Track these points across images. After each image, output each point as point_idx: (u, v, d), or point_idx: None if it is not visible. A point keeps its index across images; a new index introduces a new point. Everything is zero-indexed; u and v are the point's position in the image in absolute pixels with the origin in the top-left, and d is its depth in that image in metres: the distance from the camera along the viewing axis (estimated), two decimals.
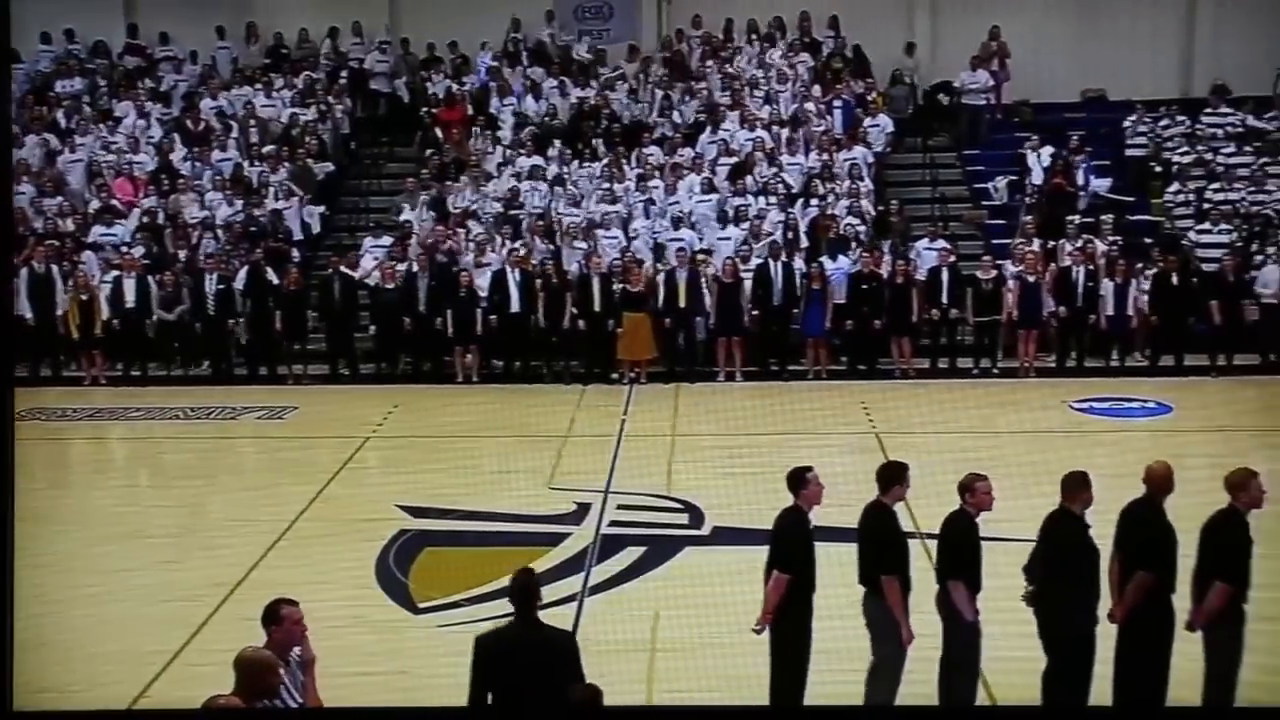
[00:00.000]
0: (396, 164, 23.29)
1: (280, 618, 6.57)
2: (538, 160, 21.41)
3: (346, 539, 12.36)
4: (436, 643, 9.80)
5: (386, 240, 20.11)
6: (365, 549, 11.90)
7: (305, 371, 19.05)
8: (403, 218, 20.72)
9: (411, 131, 23.43)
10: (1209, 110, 21.89)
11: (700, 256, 19.03)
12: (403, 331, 18.81)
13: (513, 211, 20.47)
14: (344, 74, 23.97)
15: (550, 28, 24.37)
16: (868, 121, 22.26)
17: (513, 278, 18.59)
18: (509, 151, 21.81)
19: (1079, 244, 18.95)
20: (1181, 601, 8.18)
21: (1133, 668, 8.16)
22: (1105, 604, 8.20)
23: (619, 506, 13.14)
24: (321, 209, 21.73)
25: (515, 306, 18.54)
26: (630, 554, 11.80)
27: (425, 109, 23.39)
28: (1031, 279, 18.29)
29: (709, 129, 21.87)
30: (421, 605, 10.75)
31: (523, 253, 19.07)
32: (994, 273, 18.54)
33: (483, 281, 18.84)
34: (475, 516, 12.63)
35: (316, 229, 21.46)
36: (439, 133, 22.76)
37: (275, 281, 19.07)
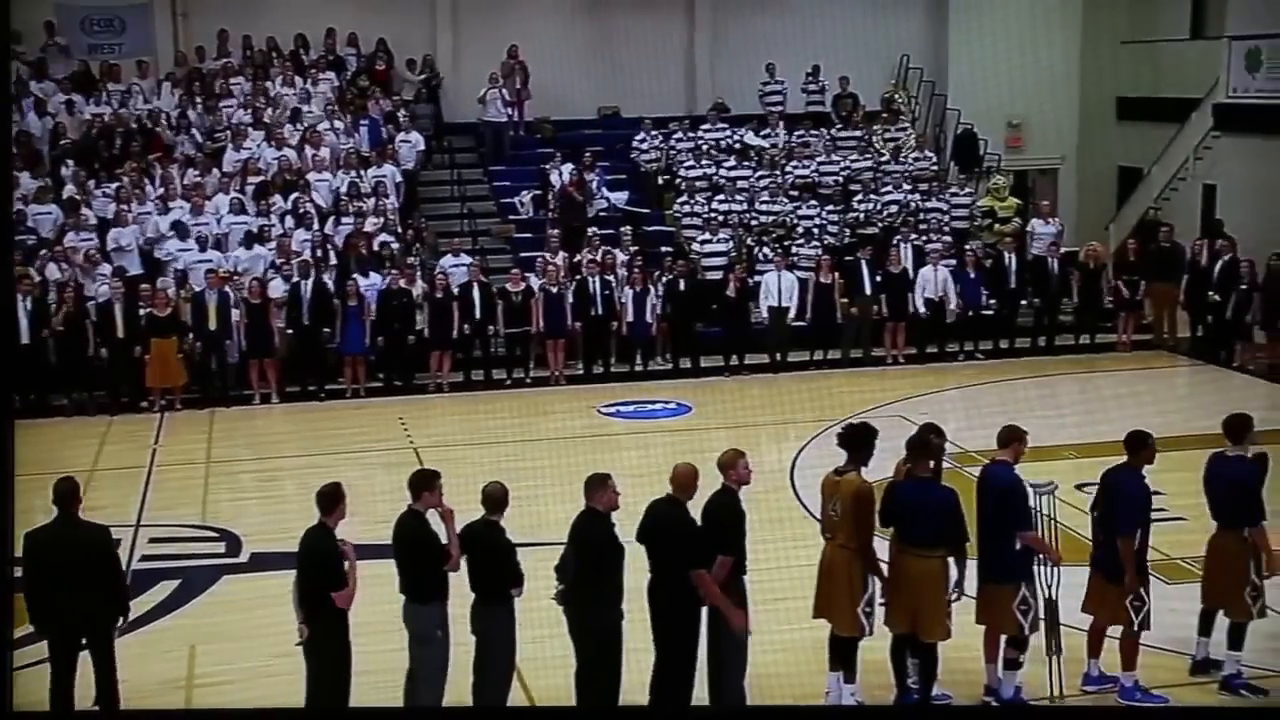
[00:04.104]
0: None
1: None
2: (46, 181, 20.25)
3: None
4: None
5: None
6: None
7: None
8: None
9: None
10: (708, 127, 23.46)
11: (230, 277, 18.64)
12: None
13: (19, 237, 19.25)
14: None
15: (52, 40, 22.96)
16: (399, 138, 22.46)
17: (23, 306, 17.54)
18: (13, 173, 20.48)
19: (599, 255, 19.88)
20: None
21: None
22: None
23: (151, 540, 12.74)
24: None
25: (25, 338, 17.47)
26: (164, 588, 11.51)
27: None
28: (555, 290, 19.02)
29: (233, 148, 21.39)
30: None
31: (35, 279, 18.01)
32: (523, 285, 19.15)
33: None
34: None
35: None
36: None
37: None
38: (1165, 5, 25.75)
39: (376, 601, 8.66)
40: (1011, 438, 9.08)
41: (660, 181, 22.95)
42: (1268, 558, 9.19)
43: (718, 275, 20.01)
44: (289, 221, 20.09)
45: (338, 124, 22.29)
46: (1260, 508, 9.19)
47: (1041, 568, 8.94)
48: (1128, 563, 8.93)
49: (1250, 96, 22.17)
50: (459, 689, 8.57)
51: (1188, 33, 25.37)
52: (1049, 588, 8.98)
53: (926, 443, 8.92)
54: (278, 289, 18.56)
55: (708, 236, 20.84)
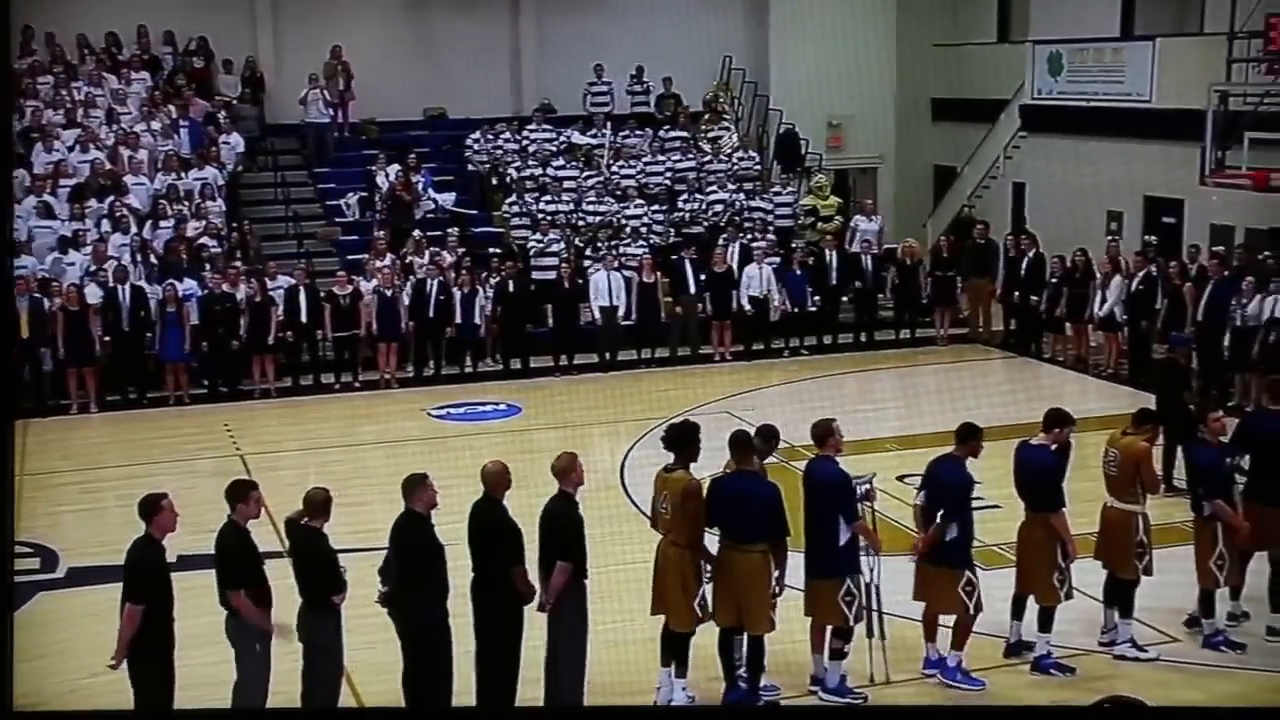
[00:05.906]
0: None
1: None
2: None
3: None
4: None
5: None
6: None
7: None
8: None
9: None
10: (534, 127, 23.48)
11: (48, 284, 18.05)
12: None
13: None
14: None
15: None
16: (221, 139, 21.97)
17: None
18: None
19: (428, 256, 19.75)
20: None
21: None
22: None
23: None
24: None
25: None
26: None
27: None
28: (388, 293, 18.84)
29: (42, 150, 20.65)
30: None
31: None
32: (350, 288, 18.92)
33: None
34: None
35: None
36: None
37: None
38: (973, 9, 26.63)
39: (199, 614, 8.53)
40: (826, 433, 9.25)
41: (494, 182, 22.89)
42: (1068, 544, 9.60)
43: (548, 275, 20.05)
44: (105, 226, 19.52)
45: (155, 125, 21.71)
46: (1059, 495, 9.61)
47: (866, 556, 9.21)
48: (929, 544, 9.30)
49: (1053, 98, 23.06)
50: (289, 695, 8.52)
51: (995, 36, 26.29)
52: (872, 571, 9.27)
53: (748, 439, 9.11)
54: (94, 295, 18.02)
55: (538, 236, 20.88)
